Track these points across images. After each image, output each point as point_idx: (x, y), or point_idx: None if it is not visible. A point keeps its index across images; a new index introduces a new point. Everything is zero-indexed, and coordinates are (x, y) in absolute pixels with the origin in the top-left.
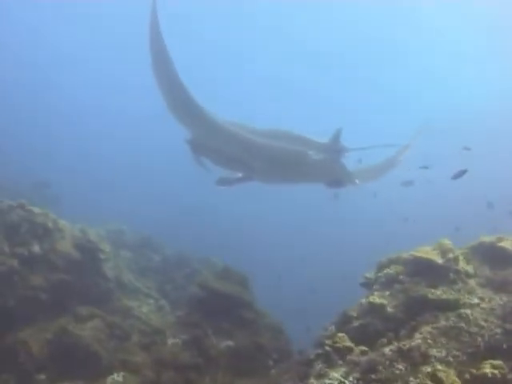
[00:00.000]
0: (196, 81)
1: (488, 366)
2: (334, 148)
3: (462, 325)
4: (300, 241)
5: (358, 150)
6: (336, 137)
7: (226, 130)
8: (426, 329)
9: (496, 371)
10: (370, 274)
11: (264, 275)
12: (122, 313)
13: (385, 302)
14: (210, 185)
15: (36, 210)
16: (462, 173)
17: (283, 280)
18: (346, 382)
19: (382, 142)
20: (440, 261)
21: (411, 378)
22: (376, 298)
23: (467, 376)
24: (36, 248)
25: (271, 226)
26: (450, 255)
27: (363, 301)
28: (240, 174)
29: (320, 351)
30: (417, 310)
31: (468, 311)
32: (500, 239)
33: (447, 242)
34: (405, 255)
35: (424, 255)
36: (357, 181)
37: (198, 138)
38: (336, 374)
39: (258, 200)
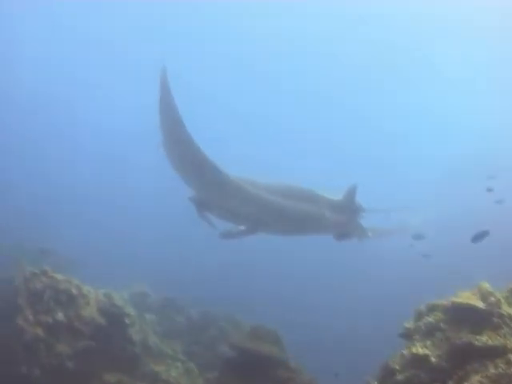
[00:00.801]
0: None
1: None
2: (350, 207)
3: None
4: (315, 292)
5: (374, 212)
6: (351, 195)
7: (243, 190)
8: (476, 378)
9: None
10: (409, 324)
11: (291, 326)
12: (150, 378)
13: (428, 351)
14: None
15: (59, 276)
16: (484, 234)
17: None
18: None
19: (402, 204)
20: (481, 305)
21: None
22: (419, 349)
23: None
24: (60, 315)
25: (285, 277)
26: (492, 299)
27: (405, 352)
28: (243, 227)
29: None
30: (462, 358)
31: None
32: None
33: (486, 286)
34: (444, 302)
35: (464, 301)
36: (370, 234)
37: (207, 197)
38: None
39: (271, 251)
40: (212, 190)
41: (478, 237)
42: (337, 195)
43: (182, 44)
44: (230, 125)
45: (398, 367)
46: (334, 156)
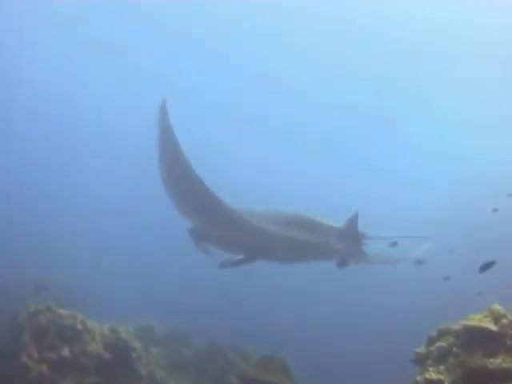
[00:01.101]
0: None
1: None
2: (354, 235)
3: None
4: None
5: (379, 239)
6: (354, 222)
7: (247, 223)
8: None
9: None
10: (421, 349)
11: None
12: None
13: (442, 377)
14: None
15: (64, 311)
16: (491, 264)
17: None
18: None
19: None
20: (494, 328)
21: None
22: (432, 374)
23: None
24: (65, 351)
25: (289, 299)
26: (504, 321)
27: (418, 378)
28: (242, 257)
29: None
30: (477, 382)
31: None
32: None
33: (498, 308)
34: (455, 326)
35: (476, 323)
36: (371, 261)
37: (209, 230)
38: None
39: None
40: (215, 223)
41: (485, 267)
42: (338, 221)
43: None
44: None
45: None
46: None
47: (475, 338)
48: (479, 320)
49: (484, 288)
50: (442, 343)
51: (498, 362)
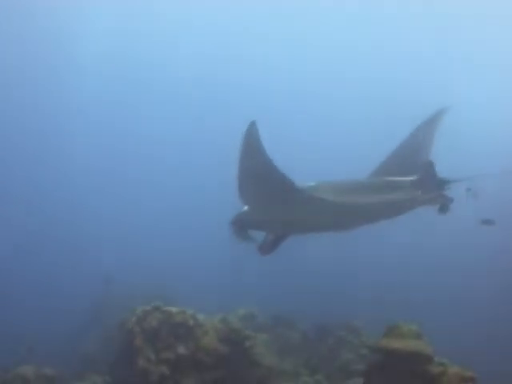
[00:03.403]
0: None
1: None
2: (434, 183)
3: None
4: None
5: (461, 181)
6: (431, 170)
7: (338, 203)
8: None
9: None
10: None
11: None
12: None
13: None
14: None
15: (173, 309)
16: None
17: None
18: None
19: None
20: None
21: None
22: None
23: None
24: (182, 349)
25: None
26: None
27: None
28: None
29: None
30: None
31: None
32: None
33: None
34: None
35: None
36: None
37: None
38: None
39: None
40: (306, 213)
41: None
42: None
43: None
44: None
45: None
46: None
47: None
48: None
49: None
50: None
51: None
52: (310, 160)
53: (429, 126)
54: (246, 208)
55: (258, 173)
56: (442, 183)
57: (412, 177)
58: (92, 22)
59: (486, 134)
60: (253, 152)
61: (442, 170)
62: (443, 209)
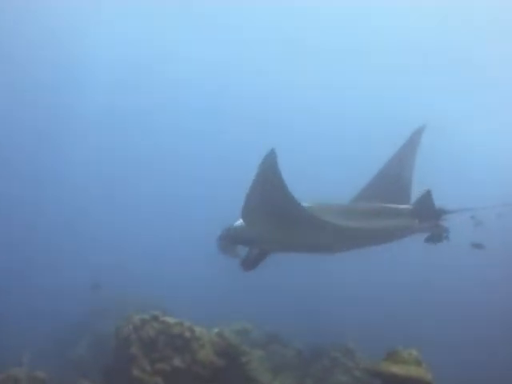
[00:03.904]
0: None
1: None
2: (432, 212)
3: None
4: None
5: (459, 212)
6: (429, 199)
7: (335, 227)
8: None
9: None
10: None
11: None
12: None
13: None
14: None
15: (171, 320)
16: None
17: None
18: None
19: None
20: None
21: None
22: None
23: None
24: (177, 361)
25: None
26: None
27: None
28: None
29: None
30: None
31: None
32: None
33: None
34: None
35: None
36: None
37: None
38: None
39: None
40: (300, 233)
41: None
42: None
43: None
44: None
45: None
46: None
47: None
48: None
49: None
50: None
51: None
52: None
53: (409, 146)
54: (239, 224)
55: (274, 200)
56: (440, 213)
57: (409, 205)
58: (104, 30)
59: (487, 159)
60: (271, 181)
61: (443, 196)
62: (433, 239)
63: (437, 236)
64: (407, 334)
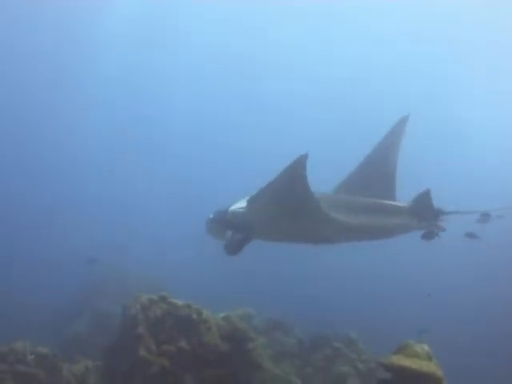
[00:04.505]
0: None
1: None
2: (430, 212)
3: None
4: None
5: (458, 214)
6: (427, 199)
7: (339, 222)
8: None
9: None
10: None
11: None
12: None
13: None
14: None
15: (179, 301)
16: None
17: None
18: None
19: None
20: None
21: None
22: None
23: None
24: (183, 343)
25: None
26: None
27: None
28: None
29: None
30: None
31: None
32: None
33: None
34: None
35: None
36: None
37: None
38: None
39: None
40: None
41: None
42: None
43: None
44: None
45: None
46: None
47: None
48: None
49: None
50: None
51: None
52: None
53: (393, 136)
54: (237, 209)
55: (295, 199)
56: (438, 213)
57: (408, 204)
58: (110, 25)
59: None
60: (297, 182)
61: (451, 196)
62: (428, 235)
63: (430, 233)
64: (407, 325)
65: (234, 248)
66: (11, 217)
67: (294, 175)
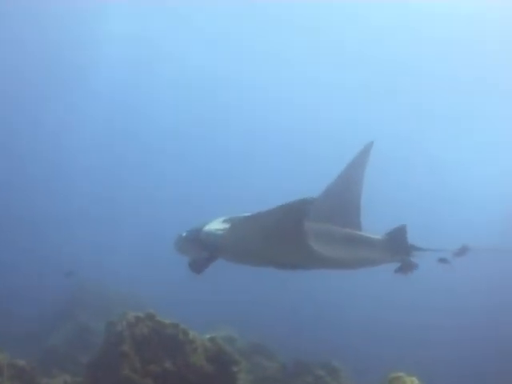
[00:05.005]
0: None
1: None
2: (403, 247)
3: None
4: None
5: (428, 251)
6: (402, 234)
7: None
8: None
9: None
10: None
11: None
12: None
13: None
14: None
15: (166, 320)
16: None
17: None
18: None
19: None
20: None
21: None
22: None
23: None
24: (168, 364)
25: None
26: None
27: None
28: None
29: None
30: None
31: None
32: None
33: None
34: None
35: None
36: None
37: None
38: None
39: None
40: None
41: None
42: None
43: None
44: None
45: None
46: None
47: None
48: None
49: None
50: None
51: None
52: None
53: (357, 163)
54: (213, 230)
55: (286, 236)
56: (411, 249)
57: (382, 236)
58: (113, 27)
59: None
60: (293, 225)
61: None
62: (402, 269)
63: (406, 267)
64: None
65: (199, 266)
66: None
67: (293, 216)
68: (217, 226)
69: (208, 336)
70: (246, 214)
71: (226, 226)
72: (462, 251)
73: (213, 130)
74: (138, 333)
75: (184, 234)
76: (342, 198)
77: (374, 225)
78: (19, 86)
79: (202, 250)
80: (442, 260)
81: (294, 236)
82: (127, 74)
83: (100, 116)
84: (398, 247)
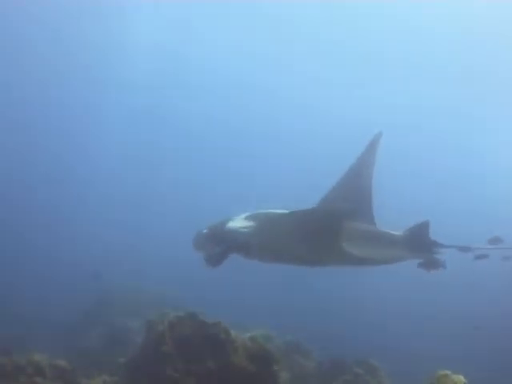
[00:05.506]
0: None
1: None
2: (424, 244)
3: None
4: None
5: (451, 247)
6: (424, 231)
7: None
8: None
9: None
10: None
11: None
12: None
13: None
14: None
15: (207, 320)
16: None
17: None
18: None
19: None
20: None
21: None
22: None
23: None
24: (211, 363)
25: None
26: None
27: None
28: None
29: None
30: None
31: None
32: None
33: None
34: None
35: None
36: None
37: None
38: None
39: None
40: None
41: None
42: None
43: None
44: None
45: None
46: None
47: None
48: None
49: None
50: None
51: None
52: None
53: (367, 153)
54: (237, 228)
55: (321, 237)
56: (433, 246)
57: (403, 232)
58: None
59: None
60: (330, 228)
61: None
62: (426, 266)
63: (430, 263)
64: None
65: (216, 260)
66: (20, 229)
67: (332, 222)
68: (241, 223)
69: (248, 335)
70: (273, 212)
71: (251, 223)
72: (495, 241)
73: (231, 132)
74: (180, 333)
75: (204, 231)
76: (354, 191)
77: (383, 217)
78: (60, 93)
79: (216, 246)
80: (481, 256)
81: (330, 238)
82: (153, 81)
83: (126, 123)
84: (420, 244)
